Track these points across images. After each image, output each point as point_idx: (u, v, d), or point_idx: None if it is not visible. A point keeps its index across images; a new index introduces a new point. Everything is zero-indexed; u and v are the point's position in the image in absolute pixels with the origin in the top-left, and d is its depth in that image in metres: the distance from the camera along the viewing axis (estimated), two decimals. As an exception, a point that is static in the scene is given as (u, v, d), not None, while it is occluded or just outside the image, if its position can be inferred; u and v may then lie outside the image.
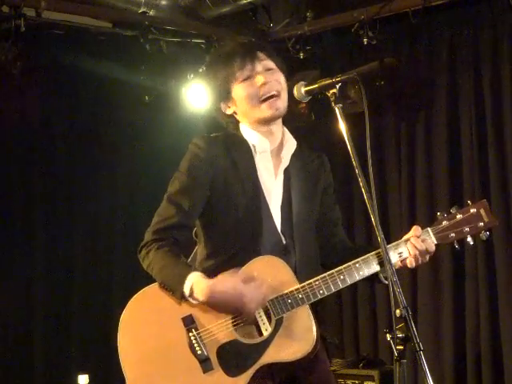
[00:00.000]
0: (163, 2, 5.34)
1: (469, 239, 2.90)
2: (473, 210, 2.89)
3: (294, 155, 2.99)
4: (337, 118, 2.69)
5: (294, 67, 5.77)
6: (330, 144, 5.58)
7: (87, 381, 4.72)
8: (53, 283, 5.55)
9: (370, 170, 2.59)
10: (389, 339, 2.45)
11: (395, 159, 5.72)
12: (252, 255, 2.81)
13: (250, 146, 2.95)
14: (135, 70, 5.41)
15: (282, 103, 2.92)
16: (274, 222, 2.90)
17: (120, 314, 2.83)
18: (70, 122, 5.69)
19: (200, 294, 2.74)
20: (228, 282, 2.75)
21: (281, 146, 2.98)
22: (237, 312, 2.76)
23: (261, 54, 2.94)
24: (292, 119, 6.11)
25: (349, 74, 2.77)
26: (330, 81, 2.74)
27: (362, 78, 2.80)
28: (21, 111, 5.33)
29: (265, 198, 2.90)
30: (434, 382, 2.39)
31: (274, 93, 2.90)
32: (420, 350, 2.40)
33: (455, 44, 5.44)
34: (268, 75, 2.92)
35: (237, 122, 3.00)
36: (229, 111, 2.98)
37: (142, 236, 2.92)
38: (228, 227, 2.87)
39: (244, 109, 2.93)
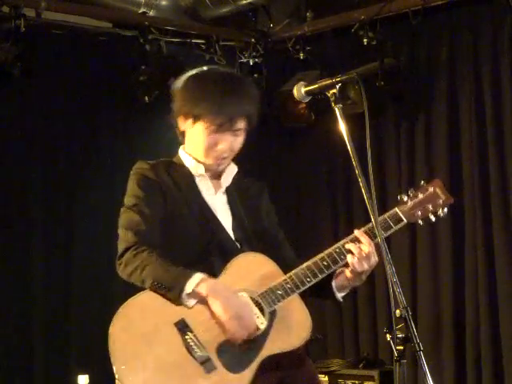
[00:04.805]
0: (163, 2, 5.35)
1: (431, 217, 3.02)
2: (431, 189, 3.03)
3: (234, 178, 3.05)
4: (337, 119, 2.69)
5: (294, 67, 5.78)
6: (329, 144, 5.60)
7: (87, 381, 4.71)
8: (52, 283, 5.54)
9: (370, 170, 2.59)
10: (389, 339, 2.45)
11: (395, 159, 5.71)
12: (207, 264, 2.84)
13: (191, 170, 3.00)
14: (135, 69, 5.40)
15: (228, 161, 3.00)
16: (226, 232, 2.95)
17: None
18: (70, 122, 5.68)
19: (204, 289, 2.72)
20: (234, 298, 2.76)
21: (219, 172, 3.03)
22: (228, 323, 2.73)
23: (244, 108, 2.93)
24: (292, 119, 6.17)
25: (349, 75, 2.77)
26: (330, 81, 2.74)
27: (361, 78, 2.81)
28: (20, 111, 5.32)
29: (213, 212, 2.96)
30: (433, 382, 2.40)
31: (225, 155, 2.95)
32: (420, 350, 2.41)
33: (455, 44, 5.44)
34: (233, 140, 2.93)
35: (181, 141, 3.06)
36: (182, 128, 3.02)
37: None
38: (179, 243, 2.88)
39: (194, 141, 2.98)
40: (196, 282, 2.71)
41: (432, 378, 2.39)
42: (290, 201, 6.23)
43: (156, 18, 5.34)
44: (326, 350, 5.86)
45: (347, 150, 2.65)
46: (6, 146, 5.38)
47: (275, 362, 2.78)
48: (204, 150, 2.95)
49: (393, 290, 2.47)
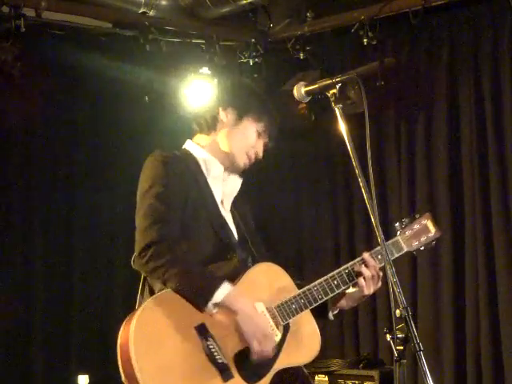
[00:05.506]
0: (163, 2, 5.34)
1: (422, 248, 3.16)
2: (424, 222, 3.15)
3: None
4: (337, 119, 2.70)
5: (294, 67, 5.78)
6: (329, 144, 5.59)
7: (87, 381, 4.72)
8: (53, 283, 5.55)
9: (370, 170, 2.59)
10: (389, 339, 2.46)
11: (395, 159, 5.71)
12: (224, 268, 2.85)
13: (203, 168, 3.00)
14: (135, 69, 5.40)
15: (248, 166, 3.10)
16: (234, 237, 2.99)
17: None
18: (70, 122, 5.68)
19: (233, 304, 2.74)
20: (258, 316, 2.79)
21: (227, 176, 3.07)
22: (253, 337, 2.76)
23: None
24: (292, 119, 6.16)
25: (349, 75, 2.78)
26: (330, 81, 2.75)
27: (362, 79, 2.81)
28: (21, 112, 5.32)
29: (223, 216, 2.99)
30: (433, 382, 2.39)
31: (258, 158, 3.08)
32: (420, 350, 2.41)
33: (455, 44, 5.43)
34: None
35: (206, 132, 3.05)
36: (222, 118, 3.02)
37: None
38: (197, 237, 2.89)
39: (238, 136, 3.02)
40: (224, 292, 2.72)
41: (432, 378, 2.39)
42: (290, 201, 6.23)
43: (156, 18, 5.34)
44: (325, 350, 5.85)
45: (347, 149, 2.65)
46: (6, 144, 5.38)
47: (283, 376, 2.83)
48: (248, 146, 3.01)
49: (393, 289, 2.47)
